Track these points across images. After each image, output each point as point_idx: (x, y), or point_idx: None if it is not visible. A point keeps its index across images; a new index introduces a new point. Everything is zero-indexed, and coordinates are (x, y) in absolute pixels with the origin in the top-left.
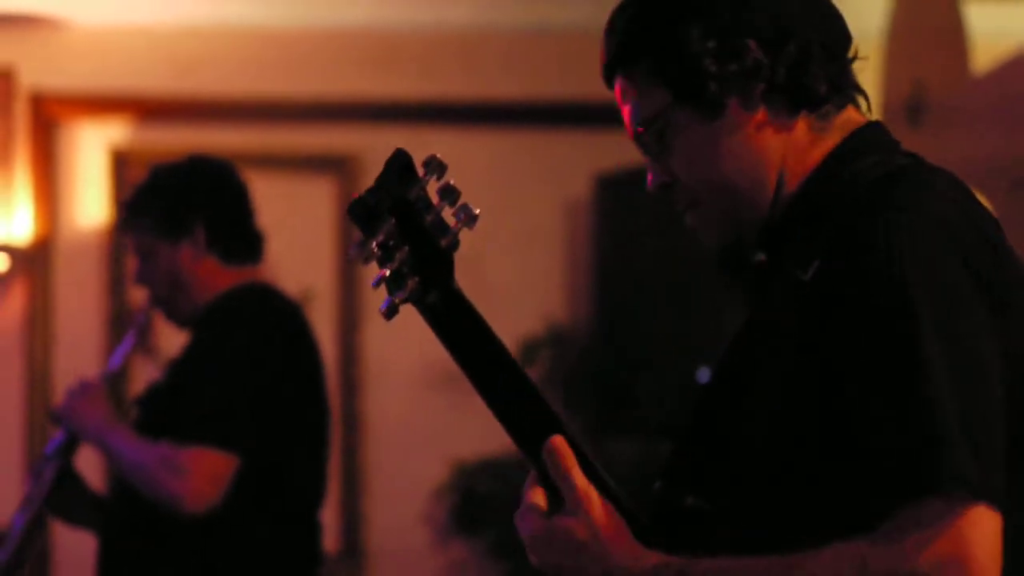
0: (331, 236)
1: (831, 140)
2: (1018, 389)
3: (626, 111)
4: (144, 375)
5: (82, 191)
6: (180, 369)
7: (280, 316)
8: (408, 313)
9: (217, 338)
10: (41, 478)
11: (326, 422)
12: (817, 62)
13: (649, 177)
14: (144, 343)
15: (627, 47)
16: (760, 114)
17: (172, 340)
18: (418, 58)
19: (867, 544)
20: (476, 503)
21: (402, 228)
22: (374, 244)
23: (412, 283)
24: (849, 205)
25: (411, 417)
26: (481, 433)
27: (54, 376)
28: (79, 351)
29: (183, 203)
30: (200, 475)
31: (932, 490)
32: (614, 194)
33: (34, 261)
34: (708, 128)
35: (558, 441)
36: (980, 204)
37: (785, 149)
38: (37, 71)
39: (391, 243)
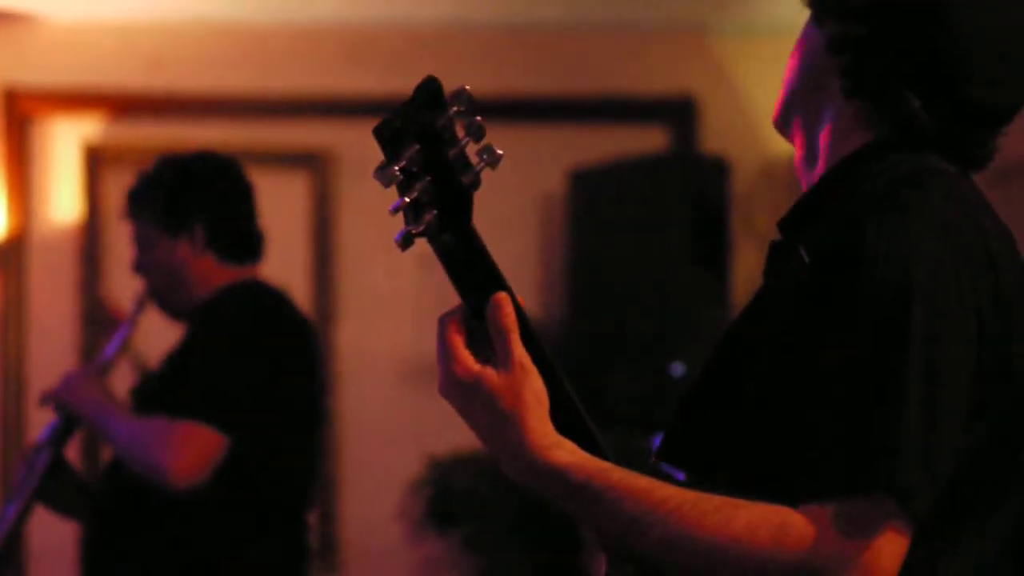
0: (305, 232)
1: (872, 133)
2: (1017, 409)
3: None
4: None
5: (56, 187)
6: (176, 359)
7: (280, 313)
8: (382, 308)
9: (216, 330)
10: (33, 467)
11: (320, 421)
12: (890, 67)
13: None
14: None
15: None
16: (831, 62)
17: (147, 337)
18: (392, 53)
19: (794, 515)
20: (451, 498)
21: (426, 156)
22: (396, 168)
23: (429, 217)
24: (862, 200)
25: (385, 412)
26: (456, 427)
27: (28, 371)
28: (53, 346)
29: (184, 199)
30: (189, 449)
31: (874, 490)
32: (587, 189)
33: (8, 257)
34: (809, 32)
35: (503, 298)
36: (993, 214)
37: (834, 121)
38: (10, 67)
39: (413, 170)
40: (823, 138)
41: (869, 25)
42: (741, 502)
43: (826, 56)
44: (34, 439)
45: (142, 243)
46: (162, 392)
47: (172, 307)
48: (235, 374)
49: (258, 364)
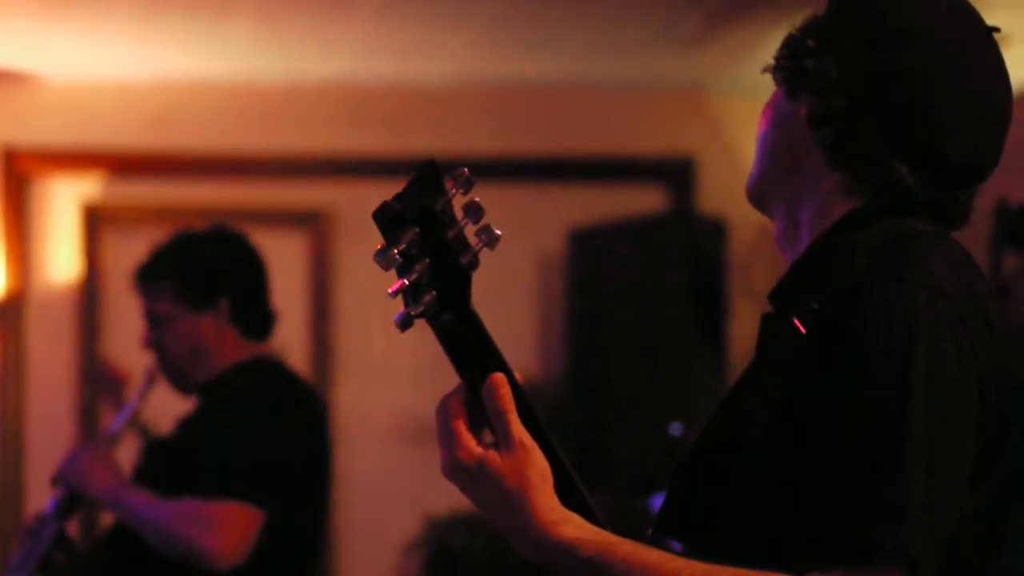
0: (303, 292)
1: (856, 201)
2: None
3: None
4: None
5: (55, 247)
6: (192, 428)
7: (297, 390)
8: (380, 368)
9: (235, 403)
10: (38, 538)
11: (328, 494)
12: (865, 133)
13: None
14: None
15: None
16: (805, 128)
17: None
18: (391, 113)
19: None
20: (449, 558)
21: (424, 239)
22: (396, 252)
23: (429, 298)
24: (854, 267)
25: (383, 472)
26: (453, 487)
27: (27, 431)
28: (52, 406)
29: (211, 274)
30: (230, 529)
31: (881, 559)
32: (587, 249)
33: (7, 316)
34: (784, 99)
35: (498, 378)
36: (982, 276)
37: (815, 181)
38: (9, 127)
39: (413, 252)
40: (805, 210)
41: (850, 97)
42: (750, 572)
43: (805, 129)
44: (38, 510)
45: (158, 318)
46: (176, 468)
47: (185, 383)
48: (262, 450)
49: (282, 440)
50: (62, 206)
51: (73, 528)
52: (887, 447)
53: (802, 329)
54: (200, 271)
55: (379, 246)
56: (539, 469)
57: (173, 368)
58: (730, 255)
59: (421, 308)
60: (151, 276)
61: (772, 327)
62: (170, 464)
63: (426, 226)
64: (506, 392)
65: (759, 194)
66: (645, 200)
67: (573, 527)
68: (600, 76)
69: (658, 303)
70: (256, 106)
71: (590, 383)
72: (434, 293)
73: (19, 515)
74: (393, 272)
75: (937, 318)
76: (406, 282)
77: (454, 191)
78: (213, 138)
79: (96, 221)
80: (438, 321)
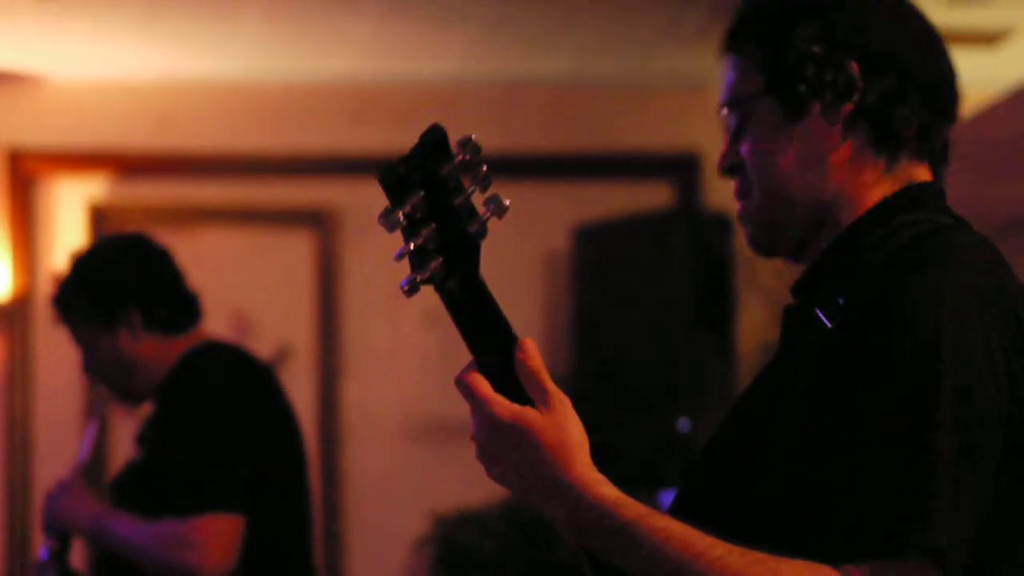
0: (310, 290)
1: (888, 188)
2: None
3: (724, 86)
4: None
5: (61, 247)
6: (152, 445)
7: (235, 370)
8: (387, 366)
9: (184, 408)
10: None
11: (304, 464)
12: (911, 104)
13: (721, 153)
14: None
15: (741, 28)
16: (837, 133)
17: None
18: (396, 111)
19: (834, 574)
20: (457, 554)
21: (430, 204)
22: (400, 214)
23: (435, 264)
24: (883, 259)
25: (391, 469)
26: (461, 484)
27: (35, 431)
28: (59, 406)
29: (110, 292)
30: (212, 544)
31: (909, 554)
32: (593, 245)
33: (13, 317)
34: (785, 126)
35: (529, 342)
36: (1010, 271)
37: (847, 180)
38: (15, 127)
39: (418, 216)
40: (828, 214)
41: (883, 80)
42: (782, 558)
43: (835, 136)
44: (35, 559)
45: (84, 345)
46: (145, 482)
47: (132, 397)
48: (219, 450)
49: (241, 432)
50: (67, 206)
51: (77, 560)
52: (916, 443)
53: (827, 323)
54: (100, 292)
55: (384, 207)
56: (579, 427)
57: (113, 387)
58: (736, 250)
59: (428, 274)
60: (61, 307)
61: (795, 320)
62: (139, 486)
63: (432, 191)
64: (537, 354)
65: (772, 244)
66: (650, 196)
67: (612, 489)
68: (605, 73)
69: (664, 299)
70: (261, 106)
71: (597, 379)
72: (440, 259)
73: (28, 513)
74: (399, 243)
75: (965, 310)
76: (411, 246)
77: (461, 157)
78: (218, 138)
79: (101, 221)
80: (445, 287)
